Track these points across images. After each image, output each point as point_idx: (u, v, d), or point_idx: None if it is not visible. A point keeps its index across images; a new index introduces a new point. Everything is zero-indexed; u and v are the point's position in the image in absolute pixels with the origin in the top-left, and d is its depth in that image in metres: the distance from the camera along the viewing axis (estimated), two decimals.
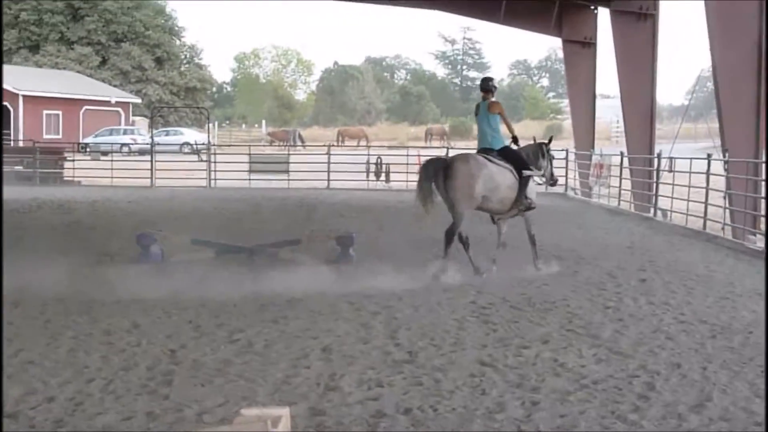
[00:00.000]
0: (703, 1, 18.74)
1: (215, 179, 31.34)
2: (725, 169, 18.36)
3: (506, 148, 12.62)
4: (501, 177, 12.23)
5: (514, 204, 12.44)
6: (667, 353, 8.12)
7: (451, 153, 30.63)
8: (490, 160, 12.21)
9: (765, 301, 9.67)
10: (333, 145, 33.93)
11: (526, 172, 12.49)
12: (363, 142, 66.29)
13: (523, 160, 12.65)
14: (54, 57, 74.08)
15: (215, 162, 32.01)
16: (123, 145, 50.43)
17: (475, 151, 12.66)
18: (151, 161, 31.73)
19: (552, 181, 13.74)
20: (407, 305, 10.19)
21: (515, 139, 12.97)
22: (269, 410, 4.83)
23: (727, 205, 18.28)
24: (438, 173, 12.02)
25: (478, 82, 13.56)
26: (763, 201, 16.65)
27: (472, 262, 12.29)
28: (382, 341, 8.47)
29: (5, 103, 49.86)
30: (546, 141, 13.60)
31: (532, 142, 13.57)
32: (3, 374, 6.84)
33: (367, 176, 31.14)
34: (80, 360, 7.71)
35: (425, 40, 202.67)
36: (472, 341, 8.49)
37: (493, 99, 12.61)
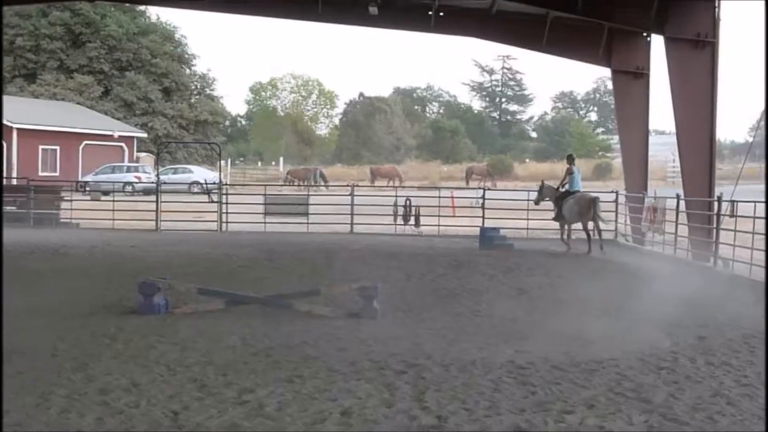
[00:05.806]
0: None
1: (227, 222, 31.46)
2: None
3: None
4: None
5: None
6: (727, 420, 8.04)
7: (488, 194, 30.88)
8: None
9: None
10: (357, 185, 33.98)
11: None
12: (396, 182, 66.39)
13: None
14: (52, 87, 74.86)
15: (227, 203, 32.13)
16: (126, 183, 50.80)
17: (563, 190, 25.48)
18: (157, 202, 31.84)
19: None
20: (436, 364, 10.15)
21: None
22: None
23: None
24: (591, 203, 24.20)
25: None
26: None
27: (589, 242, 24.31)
28: (407, 404, 8.43)
29: None
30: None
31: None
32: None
33: (395, 219, 31.07)
34: (73, 422, 7.72)
35: (460, 70, 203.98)
36: (508, 405, 8.44)
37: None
